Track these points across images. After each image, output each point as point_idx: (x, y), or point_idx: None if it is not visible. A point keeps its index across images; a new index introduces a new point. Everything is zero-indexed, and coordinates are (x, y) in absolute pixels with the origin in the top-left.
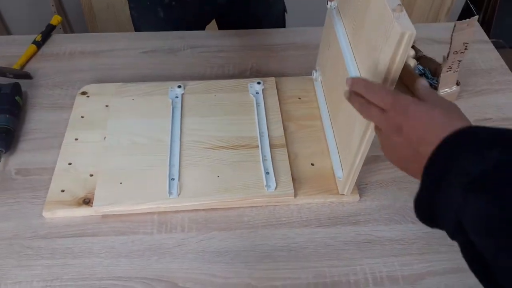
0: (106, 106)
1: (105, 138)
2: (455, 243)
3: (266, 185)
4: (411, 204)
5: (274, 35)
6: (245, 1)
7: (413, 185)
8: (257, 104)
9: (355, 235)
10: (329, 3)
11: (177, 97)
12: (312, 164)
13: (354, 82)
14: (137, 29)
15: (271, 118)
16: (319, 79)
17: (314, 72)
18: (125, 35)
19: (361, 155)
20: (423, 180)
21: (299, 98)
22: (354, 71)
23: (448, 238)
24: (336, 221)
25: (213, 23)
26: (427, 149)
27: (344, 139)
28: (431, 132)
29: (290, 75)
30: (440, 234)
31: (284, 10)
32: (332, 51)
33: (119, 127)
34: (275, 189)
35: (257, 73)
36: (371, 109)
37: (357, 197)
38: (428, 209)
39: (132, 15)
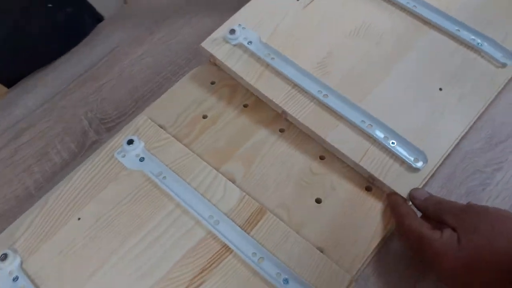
0: None
1: None
2: None
3: None
4: None
5: (86, 51)
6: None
7: None
8: (159, 178)
9: None
10: None
11: (16, 279)
12: (318, 201)
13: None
14: None
15: (200, 180)
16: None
17: (237, 29)
18: None
19: None
20: None
21: (205, 117)
22: None
23: None
24: None
25: None
26: None
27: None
28: None
29: (154, 95)
30: None
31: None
32: None
33: None
34: None
35: (107, 123)
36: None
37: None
38: None
39: None
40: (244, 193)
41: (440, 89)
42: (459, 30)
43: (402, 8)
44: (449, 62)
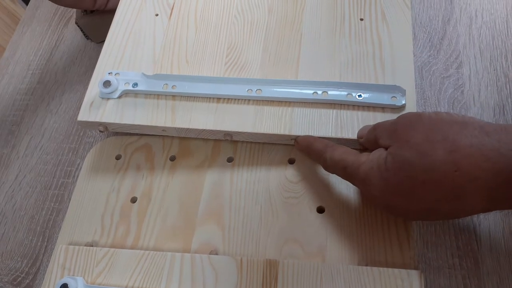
0: None
1: None
2: None
3: None
4: None
5: None
6: None
7: None
8: None
9: None
10: None
11: None
12: (321, 210)
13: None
14: None
15: (177, 276)
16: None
17: (110, 78)
18: None
19: None
20: None
21: (134, 200)
22: None
23: None
24: None
25: None
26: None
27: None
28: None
29: (58, 215)
30: None
31: None
32: None
33: None
34: None
35: (22, 280)
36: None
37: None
38: None
39: None
40: (238, 258)
41: (361, 19)
42: None
43: None
44: None
